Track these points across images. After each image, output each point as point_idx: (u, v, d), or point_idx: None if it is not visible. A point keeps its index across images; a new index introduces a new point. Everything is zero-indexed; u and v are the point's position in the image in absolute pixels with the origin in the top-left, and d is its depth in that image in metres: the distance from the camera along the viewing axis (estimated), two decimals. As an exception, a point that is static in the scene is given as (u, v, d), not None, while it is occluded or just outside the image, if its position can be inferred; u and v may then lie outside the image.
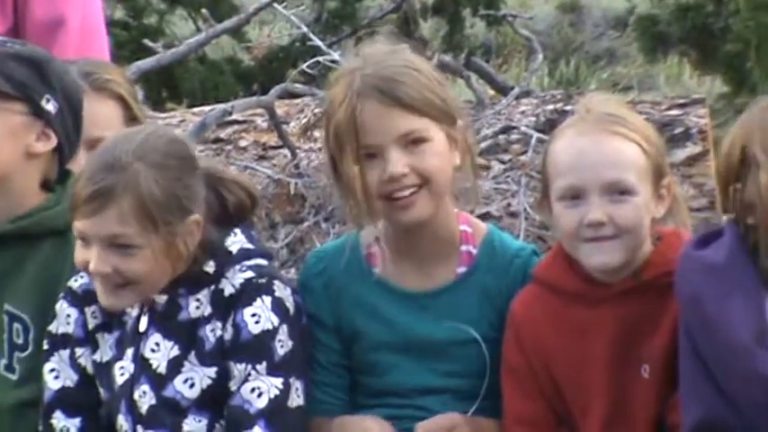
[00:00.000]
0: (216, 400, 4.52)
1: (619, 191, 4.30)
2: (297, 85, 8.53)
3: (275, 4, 10.53)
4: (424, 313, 4.65)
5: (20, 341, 4.68)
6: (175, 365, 4.48)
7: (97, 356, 4.62)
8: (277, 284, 4.47)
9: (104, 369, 4.60)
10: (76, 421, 4.57)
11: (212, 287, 4.47)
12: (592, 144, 4.39)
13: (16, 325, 4.66)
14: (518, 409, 4.51)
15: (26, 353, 4.66)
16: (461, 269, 4.68)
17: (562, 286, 4.59)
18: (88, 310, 4.56)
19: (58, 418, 4.60)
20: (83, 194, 4.28)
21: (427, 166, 4.38)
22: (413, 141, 4.39)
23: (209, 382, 4.44)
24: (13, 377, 4.61)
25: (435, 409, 4.52)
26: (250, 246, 4.59)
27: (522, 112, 7.99)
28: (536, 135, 7.19)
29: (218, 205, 4.59)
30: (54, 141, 4.68)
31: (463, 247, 4.67)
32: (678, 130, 8.06)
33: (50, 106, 4.67)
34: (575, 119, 4.67)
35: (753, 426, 4.23)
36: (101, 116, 5.09)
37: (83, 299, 4.57)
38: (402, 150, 4.36)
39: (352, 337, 4.72)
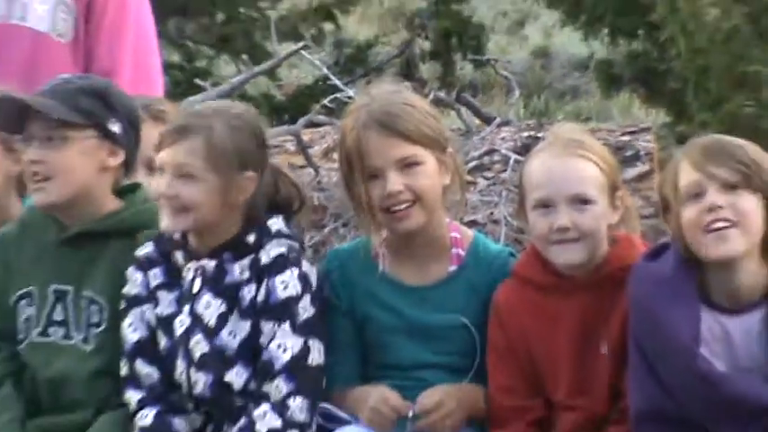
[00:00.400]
0: (254, 353, 4.49)
1: (581, 201, 4.28)
2: (319, 117, 8.49)
3: (302, 51, 10.26)
4: (421, 303, 4.60)
5: (95, 320, 4.64)
6: (222, 320, 4.46)
7: (159, 311, 4.58)
8: (304, 262, 4.54)
9: (165, 322, 4.55)
10: (154, 369, 4.51)
11: (252, 256, 4.47)
12: (559, 164, 4.38)
13: (93, 307, 4.62)
14: (499, 380, 4.46)
15: (100, 329, 4.60)
16: (452, 268, 4.64)
17: (536, 280, 4.54)
18: (150, 273, 4.56)
19: (140, 364, 4.57)
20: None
21: (419, 186, 4.39)
22: (408, 165, 4.39)
23: (245, 335, 4.42)
24: (89, 348, 4.56)
25: (432, 381, 4.47)
26: (286, 230, 4.59)
27: (503, 138, 7.93)
28: (514, 157, 7.18)
29: (273, 194, 4.66)
30: (122, 156, 4.68)
31: (453, 250, 4.62)
32: (629, 153, 8.00)
33: (116, 128, 4.63)
34: (545, 143, 4.68)
35: (689, 415, 4.24)
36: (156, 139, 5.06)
37: (146, 264, 4.56)
38: (399, 172, 4.35)
39: (363, 321, 4.65)
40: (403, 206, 4.43)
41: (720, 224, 4.13)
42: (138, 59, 6.04)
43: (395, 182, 4.41)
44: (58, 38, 5.86)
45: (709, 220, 4.16)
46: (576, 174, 4.44)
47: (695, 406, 4.25)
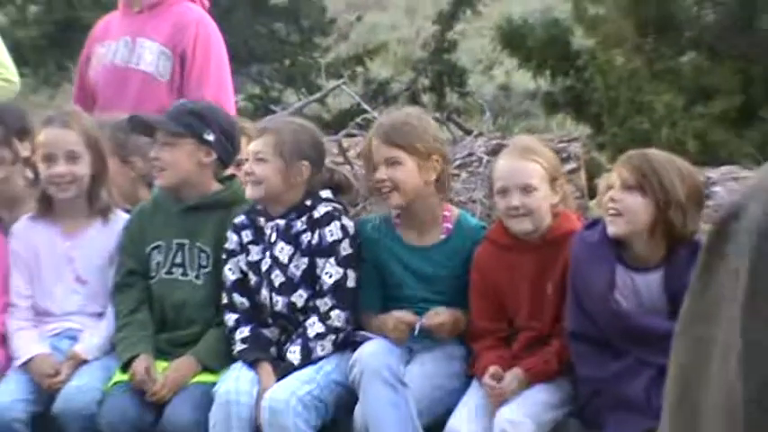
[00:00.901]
0: (311, 281, 4.55)
1: (527, 188, 4.26)
2: (353, 131, 8.92)
3: (342, 86, 9.83)
4: (422, 258, 4.63)
5: (203, 263, 4.70)
6: (291, 258, 4.55)
7: (249, 258, 4.67)
8: (344, 217, 4.61)
9: (254, 265, 4.62)
10: (245, 299, 4.59)
11: (308, 214, 4.56)
12: (513, 163, 4.39)
13: (202, 255, 4.67)
14: (477, 310, 4.43)
15: (206, 270, 4.63)
16: (443, 236, 4.66)
17: (501, 242, 4.56)
18: (242, 234, 4.63)
19: (236, 296, 4.66)
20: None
21: (396, 178, 4.40)
22: (391, 163, 4.40)
23: (305, 267, 4.48)
24: (199, 283, 4.60)
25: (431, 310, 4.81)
26: (332, 197, 4.64)
27: (479, 145, 8.15)
28: (486, 157, 7.35)
29: (328, 179, 4.74)
30: (214, 156, 4.66)
31: (444, 224, 4.66)
32: (564, 155, 8.18)
33: (210, 137, 4.64)
34: (507, 149, 4.78)
35: (607, 337, 4.30)
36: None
37: (239, 227, 4.61)
38: (385, 167, 4.38)
39: (383, 268, 4.65)
40: (386, 191, 4.47)
41: (612, 212, 4.20)
42: (217, 93, 5.73)
43: (381, 173, 4.47)
44: (160, 78, 5.71)
45: (608, 207, 4.25)
46: (524, 170, 4.46)
47: (610, 332, 4.30)
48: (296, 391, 4.40)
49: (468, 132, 7.76)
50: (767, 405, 1.21)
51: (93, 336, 4.75)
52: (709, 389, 1.26)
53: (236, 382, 4.48)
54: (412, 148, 4.59)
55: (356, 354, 4.49)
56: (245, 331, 4.68)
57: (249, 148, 4.87)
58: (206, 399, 4.48)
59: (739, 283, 1.26)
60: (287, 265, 4.71)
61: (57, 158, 4.73)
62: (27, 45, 10.66)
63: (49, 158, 4.74)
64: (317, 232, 4.66)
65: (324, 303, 4.54)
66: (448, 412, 4.40)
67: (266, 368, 4.49)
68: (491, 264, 4.57)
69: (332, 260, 4.61)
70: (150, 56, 5.69)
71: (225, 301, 4.80)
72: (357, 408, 4.48)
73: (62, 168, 4.72)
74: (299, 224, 4.70)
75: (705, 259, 1.30)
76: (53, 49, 10.35)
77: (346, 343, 4.61)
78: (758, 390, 1.22)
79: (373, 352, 4.47)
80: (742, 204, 1.28)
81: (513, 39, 10.02)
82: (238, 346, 4.59)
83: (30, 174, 5.14)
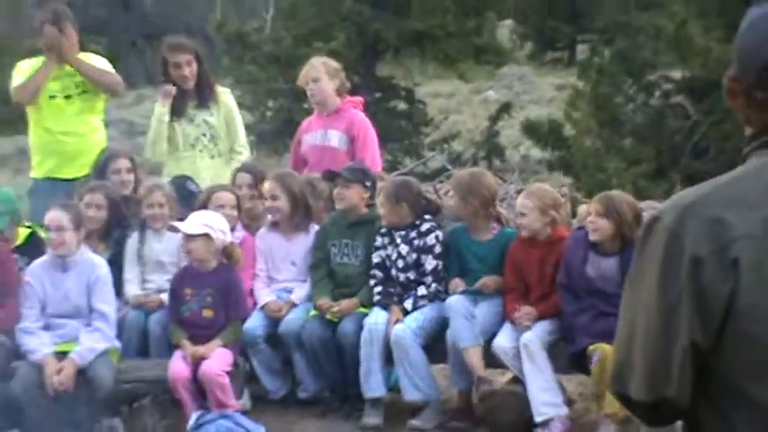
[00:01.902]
0: (418, 266, 5.80)
1: (522, 214, 5.55)
2: (442, 180, 8.65)
3: (436, 155, 12.13)
4: (481, 249, 5.78)
5: (359, 254, 5.86)
6: (408, 253, 5.77)
7: (387, 252, 5.82)
8: (437, 230, 5.74)
9: (388, 256, 5.86)
10: (382, 273, 5.82)
11: (417, 228, 5.70)
12: (522, 200, 5.76)
13: (359, 249, 5.88)
14: (508, 278, 5.65)
15: (360, 258, 5.82)
16: (491, 236, 5.77)
17: (522, 241, 5.60)
18: (383, 239, 5.78)
19: (378, 272, 5.85)
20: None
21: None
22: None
23: (415, 258, 5.79)
24: (357, 263, 5.85)
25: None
26: (431, 219, 5.74)
27: (510, 189, 8.02)
28: (514, 196, 7.12)
29: (428, 207, 5.86)
30: (368, 194, 5.83)
31: (492, 231, 5.83)
32: (560, 194, 7.24)
33: (368, 183, 5.87)
34: (522, 192, 5.99)
35: (578, 290, 5.41)
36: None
37: (382, 234, 5.80)
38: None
39: (460, 253, 5.76)
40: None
41: (591, 226, 5.38)
42: (372, 159, 6.69)
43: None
44: (340, 150, 6.63)
45: (589, 226, 5.39)
46: (524, 203, 5.57)
47: (580, 288, 5.39)
48: (410, 324, 5.59)
49: (505, 181, 8.40)
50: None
51: (301, 291, 5.95)
52: (639, 305, 1.81)
53: (376, 316, 5.65)
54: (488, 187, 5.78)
55: (447, 301, 5.57)
56: (380, 289, 5.80)
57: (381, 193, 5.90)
58: (360, 323, 5.64)
59: (651, 265, 1.79)
60: (405, 257, 5.82)
61: (273, 198, 5.91)
62: (267, 133, 11.94)
63: (270, 197, 5.95)
64: (422, 239, 5.79)
65: (426, 279, 5.74)
66: (494, 334, 5.51)
67: (395, 310, 5.66)
68: (517, 253, 5.65)
69: (430, 256, 5.76)
70: (335, 139, 6.66)
71: (371, 273, 5.86)
72: (448, 332, 5.54)
73: (268, 203, 5.96)
74: (413, 234, 5.78)
75: (638, 247, 1.83)
76: (280, 134, 11.48)
77: (437, 299, 5.70)
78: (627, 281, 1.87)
79: (455, 300, 5.58)
80: (658, 216, 1.80)
81: (530, 130, 12.54)
82: (376, 297, 5.75)
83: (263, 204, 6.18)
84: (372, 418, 5.61)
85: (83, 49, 6.88)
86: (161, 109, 6.68)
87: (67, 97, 6.70)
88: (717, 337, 1.72)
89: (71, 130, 6.70)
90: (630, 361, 1.80)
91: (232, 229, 5.87)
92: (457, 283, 5.69)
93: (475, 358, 5.47)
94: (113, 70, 6.90)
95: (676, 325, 1.73)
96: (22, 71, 6.67)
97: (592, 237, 5.34)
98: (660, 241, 1.78)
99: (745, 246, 1.71)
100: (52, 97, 6.67)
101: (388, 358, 5.65)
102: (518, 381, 5.54)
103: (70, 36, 6.59)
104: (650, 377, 1.77)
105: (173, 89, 6.67)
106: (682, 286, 1.73)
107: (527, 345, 5.38)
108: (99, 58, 6.95)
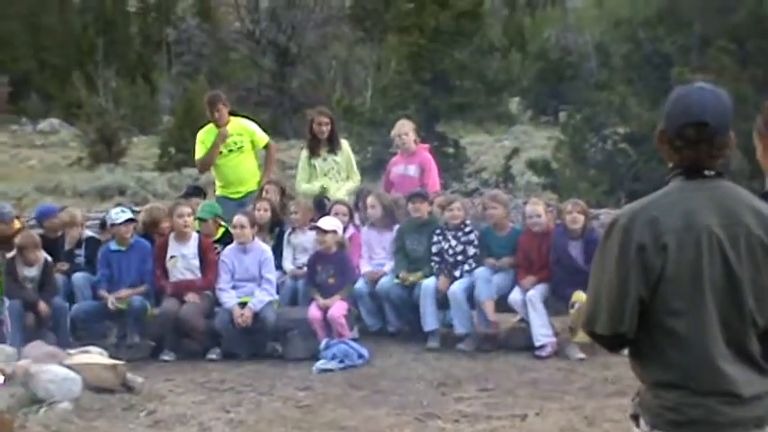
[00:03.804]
0: (465, 252, 7.09)
1: (537, 215, 7.04)
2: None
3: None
4: (501, 239, 7.11)
5: (422, 244, 6.77)
6: (458, 245, 6.99)
7: (441, 245, 6.88)
8: (476, 230, 6.75)
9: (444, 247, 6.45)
10: (437, 257, 6.98)
11: (462, 229, 7.02)
12: (529, 205, 7.20)
13: (422, 242, 6.91)
14: (519, 257, 6.95)
15: (424, 247, 6.67)
16: (508, 231, 7.20)
17: (529, 232, 6.88)
18: (435, 237, 6.55)
19: (434, 259, 6.91)
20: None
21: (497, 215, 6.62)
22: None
23: (462, 248, 7.10)
24: (422, 250, 7.07)
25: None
26: (471, 223, 6.55)
27: (522, 202, 8.78)
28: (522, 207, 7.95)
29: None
30: (430, 209, 6.61)
31: (508, 228, 7.34)
32: (551, 203, 10.25)
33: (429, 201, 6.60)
34: (532, 198, 7.05)
35: (562, 263, 6.53)
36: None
37: (437, 234, 6.65)
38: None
39: (488, 243, 7.03)
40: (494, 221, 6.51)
41: (570, 219, 6.56)
42: (434, 183, 7.93)
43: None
44: (416, 178, 7.80)
45: (567, 219, 6.50)
46: (535, 210, 6.91)
47: (563, 262, 6.48)
48: (459, 286, 6.67)
49: (515, 197, 10.08)
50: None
51: (388, 266, 7.22)
52: (603, 276, 2.13)
53: (430, 281, 6.80)
54: (504, 200, 6.61)
55: (474, 272, 6.76)
56: (436, 267, 6.87)
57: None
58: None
59: (612, 249, 2.14)
60: (455, 247, 6.81)
61: (372, 207, 7.10)
62: (368, 167, 13.97)
63: (371, 207, 7.04)
64: (467, 236, 6.88)
65: (468, 260, 6.75)
66: (508, 293, 6.61)
67: (442, 279, 6.76)
68: (525, 241, 6.68)
69: (471, 246, 6.80)
70: (412, 171, 7.72)
71: (431, 258, 6.83)
72: (475, 291, 6.44)
73: (370, 211, 7.11)
74: (460, 233, 6.79)
75: (603, 239, 2.16)
76: (375, 168, 13.41)
77: (473, 271, 6.54)
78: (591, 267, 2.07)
79: (480, 271, 6.74)
80: (617, 218, 2.13)
81: (531, 165, 15.56)
82: (434, 270, 6.79)
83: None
84: (433, 343, 6.60)
85: (238, 115, 7.78)
86: (305, 153, 7.74)
87: (230, 151, 7.82)
88: (653, 293, 2.05)
89: (234, 170, 7.76)
90: (597, 311, 2.11)
91: (345, 229, 6.86)
92: (491, 262, 6.67)
93: (488, 308, 6.44)
94: (259, 128, 7.88)
95: (628, 286, 2.07)
96: (201, 142, 7.72)
97: (571, 227, 6.30)
98: (617, 234, 2.10)
99: (670, 236, 2.06)
100: (220, 153, 7.79)
101: (438, 307, 6.46)
102: (523, 321, 6.61)
103: (224, 111, 7.62)
104: (611, 319, 2.09)
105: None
106: (631, 262, 2.07)
107: (530, 298, 6.40)
108: (249, 121, 7.99)
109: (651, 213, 2.14)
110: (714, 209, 2.13)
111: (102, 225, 7.56)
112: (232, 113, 7.70)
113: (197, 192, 7.71)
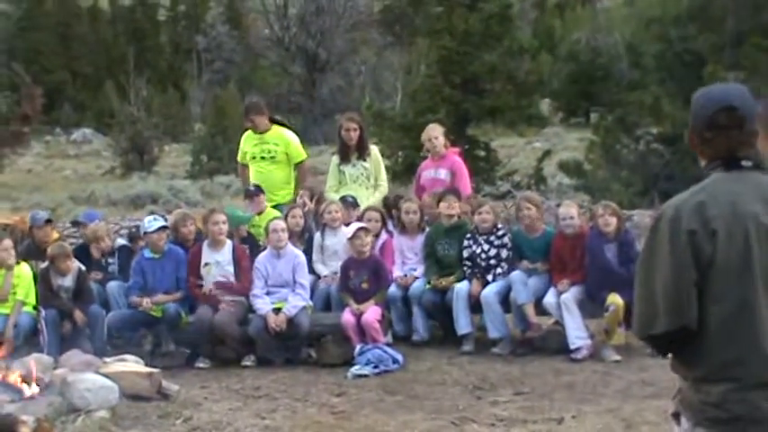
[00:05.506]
0: (498, 256, 7.16)
1: (571, 217, 7.19)
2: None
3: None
4: (534, 242, 7.18)
5: (453, 248, 6.86)
6: (491, 249, 7.17)
7: (473, 249, 6.97)
8: (508, 234, 6.85)
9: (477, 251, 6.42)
10: (468, 261, 7.11)
11: (495, 233, 7.02)
12: (563, 210, 7.30)
13: (453, 246, 6.87)
14: (553, 260, 6.93)
15: (455, 251, 6.75)
16: (540, 233, 7.26)
17: (562, 235, 6.90)
18: (465, 241, 6.64)
19: (466, 264, 7.03)
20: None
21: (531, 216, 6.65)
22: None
23: (495, 252, 7.27)
24: (453, 254, 6.89)
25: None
26: (503, 227, 6.57)
27: (554, 205, 9.49)
28: (557, 209, 7.91)
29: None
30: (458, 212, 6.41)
31: (541, 230, 7.33)
32: (585, 206, 10.58)
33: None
34: (566, 202, 7.15)
35: (598, 265, 6.58)
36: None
37: (468, 238, 6.80)
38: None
39: (523, 246, 7.10)
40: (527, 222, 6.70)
41: (607, 228, 6.52)
42: (466, 186, 7.91)
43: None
44: (446, 180, 7.85)
45: (600, 222, 6.50)
46: (569, 213, 6.88)
47: (598, 264, 6.61)
48: (492, 289, 6.72)
49: (548, 199, 10.31)
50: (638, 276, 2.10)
51: (420, 271, 7.27)
52: (653, 272, 2.13)
53: (462, 285, 6.85)
54: (538, 201, 6.74)
55: (511, 275, 6.81)
56: (468, 271, 6.94)
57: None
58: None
59: (662, 242, 2.12)
60: (488, 251, 6.88)
61: (413, 213, 7.22)
62: (398, 171, 14.52)
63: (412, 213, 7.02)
64: (500, 239, 6.89)
65: (502, 263, 6.75)
66: (542, 296, 6.69)
67: (475, 282, 6.81)
68: (558, 243, 6.68)
69: (504, 249, 6.77)
70: (443, 174, 7.73)
71: (463, 262, 6.78)
72: (511, 294, 6.57)
73: (410, 216, 7.10)
74: (492, 237, 6.85)
75: (649, 235, 2.14)
76: (406, 172, 13.77)
77: (507, 274, 6.65)
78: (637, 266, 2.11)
79: (516, 274, 6.72)
80: (662, 213, 2.18)
81: (562, 167, 15.28)
82: (466, 274, 6.82)
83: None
84: (467, 347, 6.64)
85: (279, 124, 7.98)
86: (335, 160, 7.72)
87: (263, 158, 7.86)
88: (703, 280, 2.09)
89: (264, 177, 7.90)
90: (652, 311, 2.11)
91: (377, 235, 6.85)
92: (525, 265, 6.74)
93: (530, 310, 6.42)
94: (299, 143, 7.89)
95: (685, 273, 2.09)
96: (240, 146, 8.05)
97: (605, 230, 6.29)
98: (666, 226, 2.13)
99: (719, 223, 2.09)
100: (253, 158, 7.81)
101: (470, 311, 6.54)
102: (558, 323, 6.59)
103: (258, 119, 7.79)
104: (671, 312, 2.09)
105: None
106: (683, 248, 2.10)
107: (565, 301, 6.44)
108: (291, 133, 7.95)
109: (697, 199, 2.16)
110: (759, 198, 2.15)
111: (131, 237, 7.72)
112: (276, 122, 7.92)
113: (257, 191, 7.72)
